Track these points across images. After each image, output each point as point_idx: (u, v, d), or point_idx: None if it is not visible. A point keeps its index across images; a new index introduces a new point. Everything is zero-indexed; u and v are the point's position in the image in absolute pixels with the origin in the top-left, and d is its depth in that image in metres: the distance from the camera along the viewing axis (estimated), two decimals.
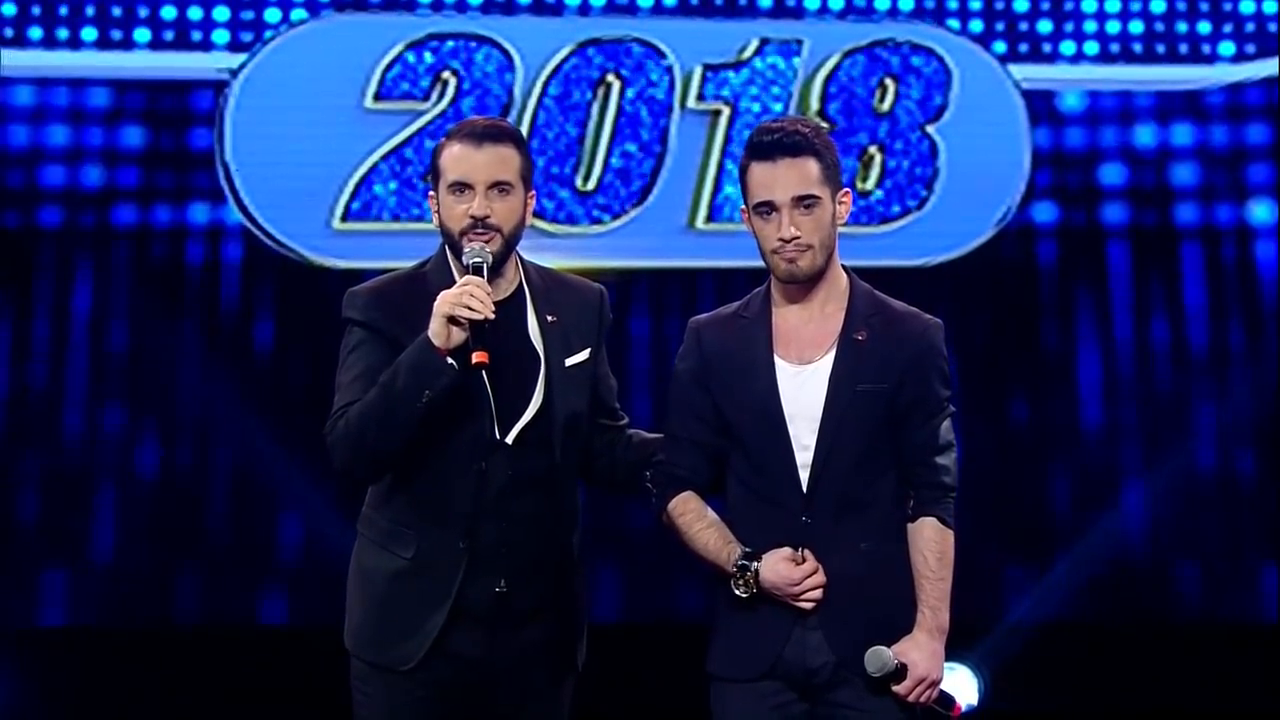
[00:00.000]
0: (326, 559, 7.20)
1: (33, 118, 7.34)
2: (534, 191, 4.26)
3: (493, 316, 4.01)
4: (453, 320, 3.98)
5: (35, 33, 7.32)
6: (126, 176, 7.38)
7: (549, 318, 4.20)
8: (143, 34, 7.37)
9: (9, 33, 7.31)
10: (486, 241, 4.11)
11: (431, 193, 4.21)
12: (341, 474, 4.16)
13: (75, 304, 7.30)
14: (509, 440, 4.11)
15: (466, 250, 4.10)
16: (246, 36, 7.41)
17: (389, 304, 4.16)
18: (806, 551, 4.16)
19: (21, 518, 7.27)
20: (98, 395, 7.29)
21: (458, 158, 4.14)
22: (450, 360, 4.00)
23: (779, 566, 4.16)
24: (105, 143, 7.36)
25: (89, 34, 7.34)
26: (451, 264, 4.18)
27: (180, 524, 7.29)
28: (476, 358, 3.99)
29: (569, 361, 4.19)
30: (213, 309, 7.37)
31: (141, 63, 7.37)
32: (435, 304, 4.01)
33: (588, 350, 4.24)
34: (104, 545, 7.28)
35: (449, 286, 4.08)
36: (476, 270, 4.07)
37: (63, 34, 7.33)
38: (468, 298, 3.99)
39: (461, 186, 4.13)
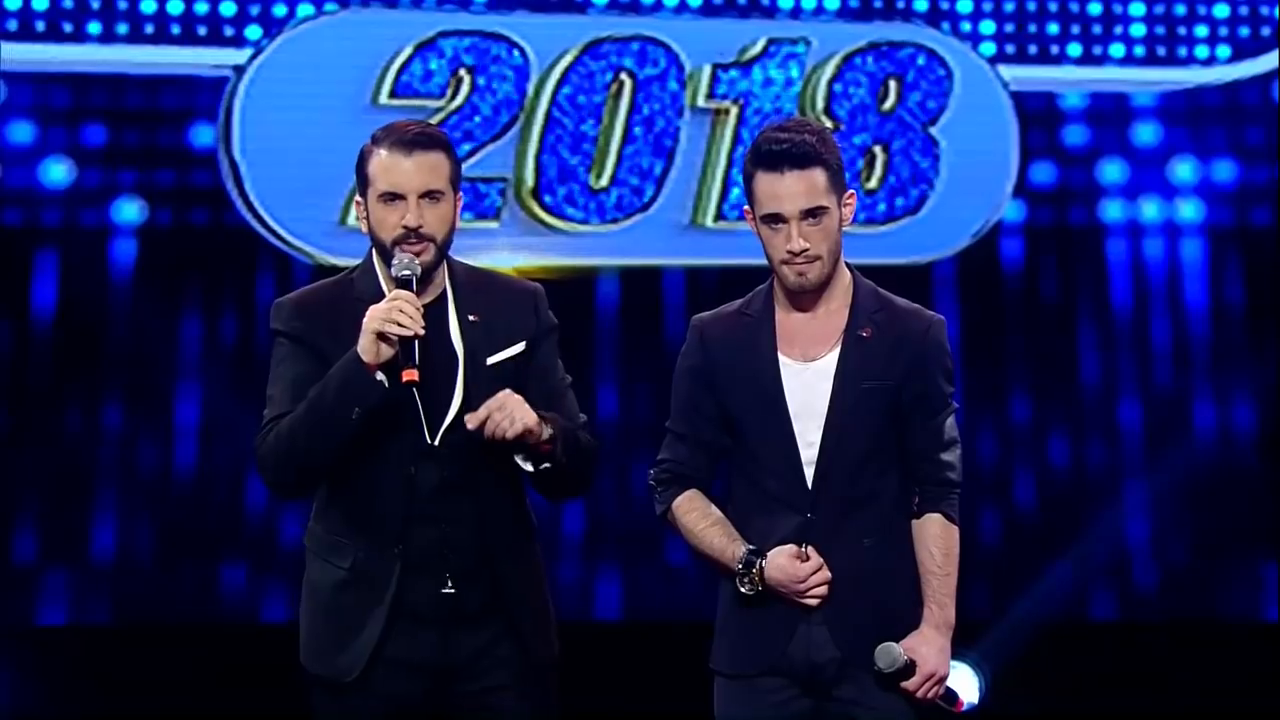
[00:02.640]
0: None
1: (33, 114, 7.32)
2: (461, 194, 4.19)
3: (422, 332, 3.96)
4: (382, 336, 3.95)
5: (39, 26, 7.30)
6: (128, 174, 7.37)
7: (470, 317, 4.13)
8: (147, 29, 7.36)
9: (12, 25, 7.29)
10: (418, 252, 4.06)
11: (358, 199, 4.15)
12: (271, 488, 4.15)
13: (76, 302, 7.29)
14: (435, 443, 4.07)
15: (395, 262, 4.05)
16: (254, 32, 7.39)
17: (312, 313, 4.13)
18: (810, 549, 4.17)
19: (22, 516, 7.26)
20: (99, 393, 7.28)
21: (387, 166, 4.08)
22: (381, 377, 3.96)
23: (784, 564, 4.16)
24: (108, 139, 7.34)
25: (94, 28, 7.32)
26: (379, 271, 4.14)
27: (181, 523, 7.28)
28: (406, 376, 3.95)
29: (490, 360, 4.13)
30: (215, 307, 7.35)
31: (146, 58, 7.35)
32: (365, 319, 3.97)
33: (519, 345, 4.17)
34: (105, 544, 7.28)
35: (376, 293, 4.06)
36: (406, 284, 4.02)
37: (67, 27, 7.31)
38: (396, 313, 3.94)
39: (392, 196, 4.07)
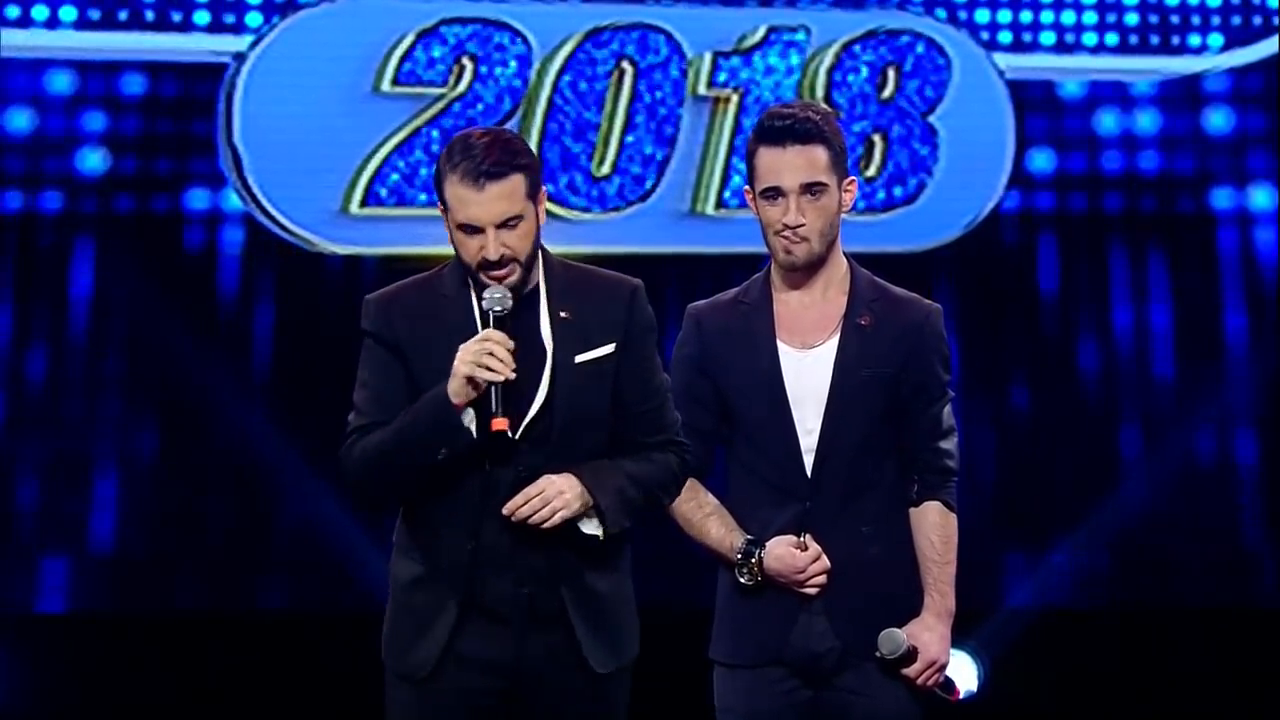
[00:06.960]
0: (325, 545, 7.21)
1: (33, 100, 7.31)
2: (544, 189, 4.11)
3: (513, 377, 3.86)
4: (471, 380, 3.86)
5: (40, 12, 7.29)
6: (128, 161, 7.36)
7: (562, 314, 4.03)
8: (148, 15, 7.34)
9: (13, 12, 7.28)
10: (503, 277, 3.95)
11: (441, 207, 4.06)
12: (354, 499, 4.14)
13: (76, 289, 7.29)
14: (516, 437, 3.96)
15: (485, 297, 3.95)
16: (254, 19, 7.38)
17: (395, 310, 4.05)
18: (809, 538, 4.17)
19: (21, 504, 7.27)
20: (98, 381, 7.28)
21: (462, 199, 3.97)
22: (471, 417, 3.87)
23: (782, 554, 4.18)
24: (108, 125, 7.34)
25: (94, 14, 7.30)
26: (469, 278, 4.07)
27: (180, 510, 7.28)
28: (495, 425, 3.87)
29: (580, 358, 4.01)
30: (214, 295, 7.35)
31: (146, 44, 7.34)
32: (455, 360, 3.88)
33: (609, 346, 4.04)
34: (103, 532, 7.27)
35: (460, 291, 4.01)
36: (498, 321, 3.92)
37: (69, 14, 7.29)
38: (486, 357, 3.85)
39: (470, 228, 3.97)
